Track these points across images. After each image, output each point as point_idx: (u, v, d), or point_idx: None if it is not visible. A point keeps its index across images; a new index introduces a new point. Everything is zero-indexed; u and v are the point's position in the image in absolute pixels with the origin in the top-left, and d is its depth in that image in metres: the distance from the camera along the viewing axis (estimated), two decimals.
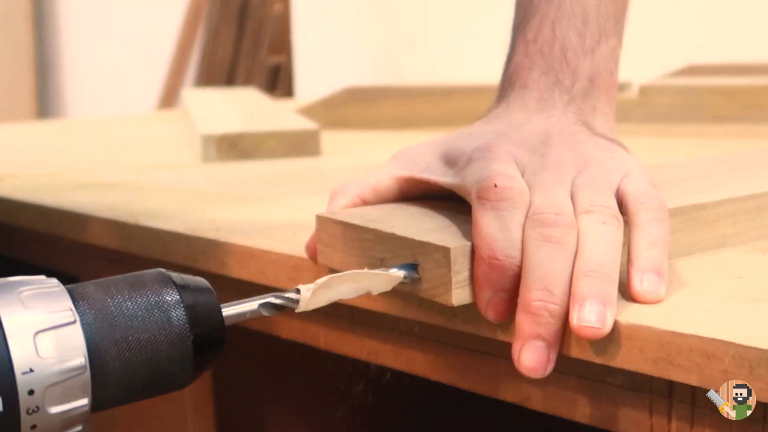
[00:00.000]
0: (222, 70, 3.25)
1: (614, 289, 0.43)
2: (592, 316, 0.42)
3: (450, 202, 0.51)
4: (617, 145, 0.53)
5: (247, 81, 3.09)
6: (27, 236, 0.90)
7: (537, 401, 0.50)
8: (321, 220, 0.52)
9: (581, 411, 0.48)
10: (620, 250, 0.45)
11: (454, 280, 0.44)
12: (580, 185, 0.48)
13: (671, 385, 0.44)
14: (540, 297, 0.43)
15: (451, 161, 0.51)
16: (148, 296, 0.39)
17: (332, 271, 0.53)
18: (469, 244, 0.44)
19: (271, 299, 0.43)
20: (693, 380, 0.40)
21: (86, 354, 0.37)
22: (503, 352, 0.51)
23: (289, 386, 0.89)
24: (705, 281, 0.47)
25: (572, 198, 0.47)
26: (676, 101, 1.17)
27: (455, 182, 0.50)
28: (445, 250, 0.44)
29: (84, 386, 0.37)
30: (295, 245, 0.58)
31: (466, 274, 0.44)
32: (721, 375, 0.39)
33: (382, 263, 0.48)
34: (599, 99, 0.57)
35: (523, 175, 0.48)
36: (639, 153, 0.53)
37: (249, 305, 0.42)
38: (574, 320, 0.42)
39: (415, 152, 0.54)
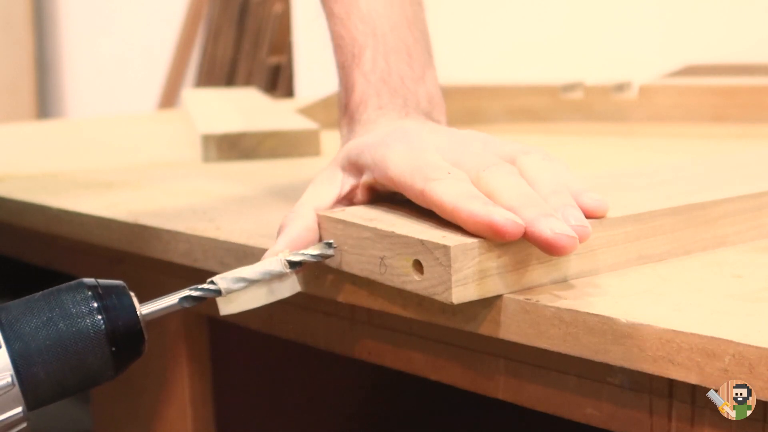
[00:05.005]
0: (222, 70, 3.25)
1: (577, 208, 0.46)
2: (579, 219, 0.45)
3: None
4: None
5: (247, 81, 3.08)
6: (27, 236, 0.90)
7: (537, 401, 0.50)
8: (321, 219, 0.52)
9: (581, 411, 0.48)
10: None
11: (454, 278, 0.44)
12: (494, 148, 0.51)
13: (671, 385, 0.44)
14: (528, 202, 0.45)
15: (353, 164, 0.54)
16: (66, 308, 0.44)
17: (331, 270, 0.54)
18: (469, 242, 0.44)
19: (189, 292, 0.46)
20: (693, 379, 0.40)
21: (13, 373, 0.42)
22: (503, 352, 0.51)
23: (289, 386, 0.89)
24: (705, 280, 0.47)
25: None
26: (676, 101, 1.17)
27: (372, 176, 0.52)
28: (445, 249, 0.44)
29: (16, 398, 0.42)
30: None
31: (466, 272, 0.44)
32: (720, 373, 0.39)
33: (381, 261, 0.48)
34: (441, 119, 0.61)
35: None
36: (639, 153, 0.53)
37: (167, 300, 0.46)
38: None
39: (321, 183, 0.55)
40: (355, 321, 0.59)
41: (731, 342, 0.38)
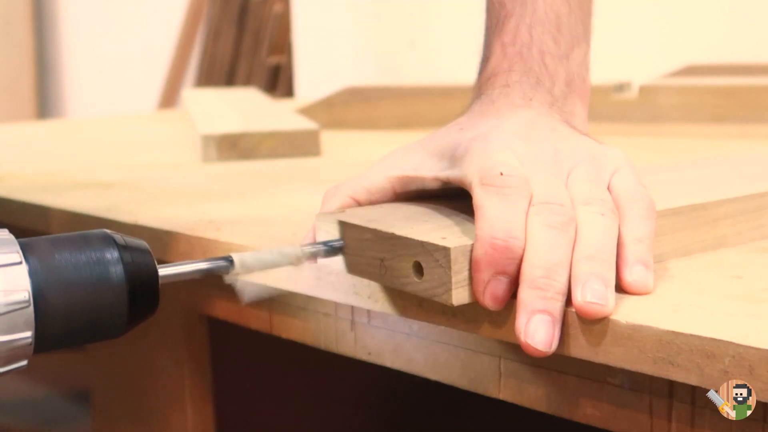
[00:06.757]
0: (222, 70, 3.25)
1: (613, 274, 0.44)
2: (597, 295, 0.43)
3: (450, 201, 0.51)
4: (604, 143, 0.54)
5: (247, 81, 3.08)
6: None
7: (537, 401, 0.50)
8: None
9: (581, 411, 0.48)
10: (616, 241, 0.46)
11: (454, 279, 0.44)
12: (576, 179, 0.49)
13: (671, 385, 0.44)
14: (546, 275, 0.43)
15: (444, 155, 0.52)
16: (91, 253, 0.44)
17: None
18: (469, 244, 0.44)
19: (205, 264, 0.46)
20: (693, 380, 0.40)
21: (30, 291, 0.41)
22: (503, 352, 0.51)
23: (289, 386, 0.89)
24: (705, 281, 0.47)
25: (569, 190, 0.48)
26: (676, 101, 1.17)
27: (452, 173, 0.50)
28: (445, 250, 0.44)
29: (27, 320, 0.41)
30: None
31: (466, 274, 0.44)
32: (720, 375, 0.39)
33: (381, 263, 0.48)
34: (575, 104, 0.58)
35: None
36: (639, 153, 0.53)
37: (184, 267, 0.46)
38: (578, 298, 0.43)
39: (405, 152, 0.54)
40: (355, 321, 0.59)
41: (731, 343, 0.38)
